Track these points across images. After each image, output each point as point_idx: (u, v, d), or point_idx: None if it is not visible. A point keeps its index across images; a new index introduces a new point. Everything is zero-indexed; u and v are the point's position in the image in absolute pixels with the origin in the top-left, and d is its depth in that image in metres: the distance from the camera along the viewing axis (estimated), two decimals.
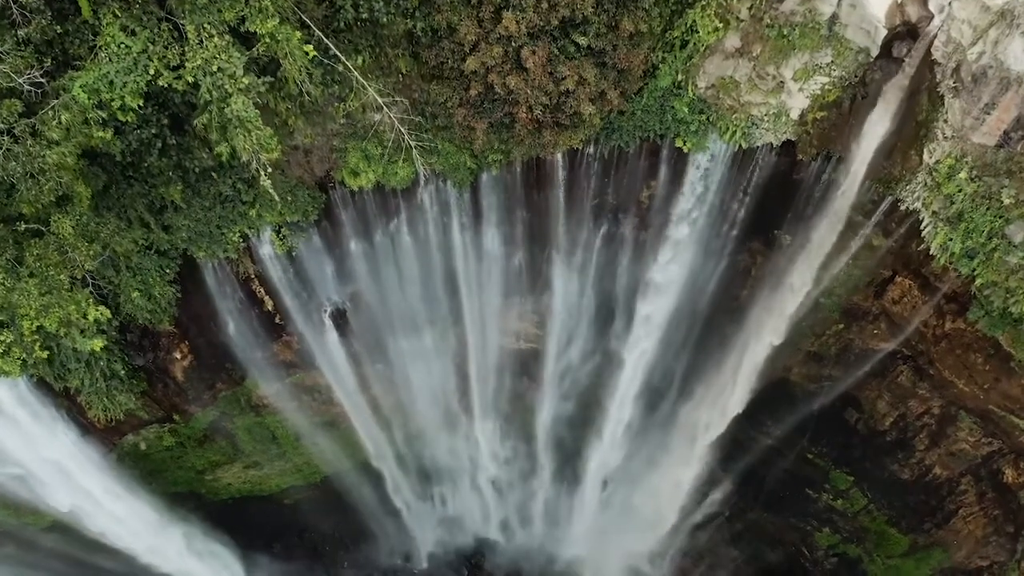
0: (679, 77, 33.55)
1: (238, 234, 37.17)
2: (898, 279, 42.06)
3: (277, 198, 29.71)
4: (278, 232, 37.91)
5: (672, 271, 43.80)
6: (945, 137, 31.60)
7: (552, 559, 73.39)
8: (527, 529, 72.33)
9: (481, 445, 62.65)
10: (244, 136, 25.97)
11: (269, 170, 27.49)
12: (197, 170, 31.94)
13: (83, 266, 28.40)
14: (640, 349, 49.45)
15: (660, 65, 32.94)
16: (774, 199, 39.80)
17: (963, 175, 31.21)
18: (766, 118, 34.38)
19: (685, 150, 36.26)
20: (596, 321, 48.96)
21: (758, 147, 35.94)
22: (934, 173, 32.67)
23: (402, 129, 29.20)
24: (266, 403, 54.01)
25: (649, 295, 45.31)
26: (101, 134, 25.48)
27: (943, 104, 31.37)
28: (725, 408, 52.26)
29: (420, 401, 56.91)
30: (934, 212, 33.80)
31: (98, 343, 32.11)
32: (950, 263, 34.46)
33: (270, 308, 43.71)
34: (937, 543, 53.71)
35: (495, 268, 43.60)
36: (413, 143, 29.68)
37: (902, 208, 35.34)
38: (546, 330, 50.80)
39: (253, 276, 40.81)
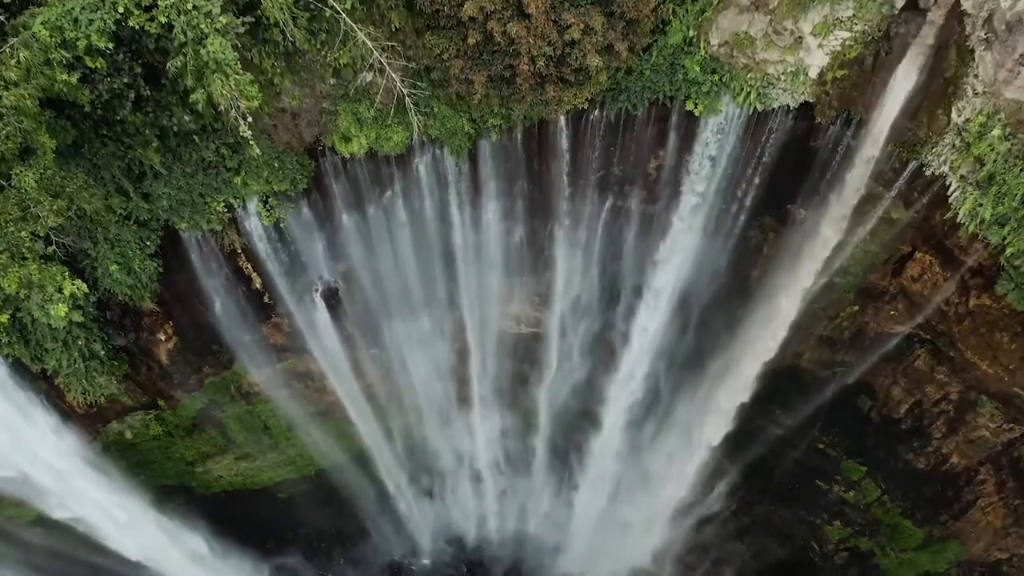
0: (691, 33, 31.49)
1: (222, 204, 35.07)
2: (918, 255, 40.06)
3: (258, 151, 27.50)
4: (265, 202, 35.79)
5: (680, 249, 41.71)
6: (976, 93, 29.55)
7: (553, 553, 70.68)
8: (528, 522, 70.28)
9: (480, 436, 60.65)
10: (222, 81, 23.82)
11: (249, 119, 25.15)
12: (176, 129, 29.83)
13: (46, 223, 26.09)
14: (646, 333, 47.22)
15: (671, 20, 30.66)
16: (789, 169, 37.76)
17: (995, 133, 29.07)
18: (783, 77, 32.29)
19: (696, 113, 34.24)
20: (600, 303, 46.81)
21: (773, 110, 33.87)
22: (963, 133, 30.58)
23: (394, 76, 26.94)
24: (257, 390, 51.83)
25: (656, 275, 42.98)
26: (65, 77, 23.34)
27: (973, 58, 29.43)
28: (733, 395, 49.44)
29: (417, 389, 54.84)
30: (962, 176, 31.71)
31: (62, 308, 29.86)
32: (979, 231, 32.06)
33: (258, 286, 41.52)
34: (954, 535, 51.60)
35: (494, 244, 41.55)
36: (406, 91, 27.35)
37: (927, 174, 33.30)
38: (548, 313, 48.74)
39: (239, 250, 38.62)
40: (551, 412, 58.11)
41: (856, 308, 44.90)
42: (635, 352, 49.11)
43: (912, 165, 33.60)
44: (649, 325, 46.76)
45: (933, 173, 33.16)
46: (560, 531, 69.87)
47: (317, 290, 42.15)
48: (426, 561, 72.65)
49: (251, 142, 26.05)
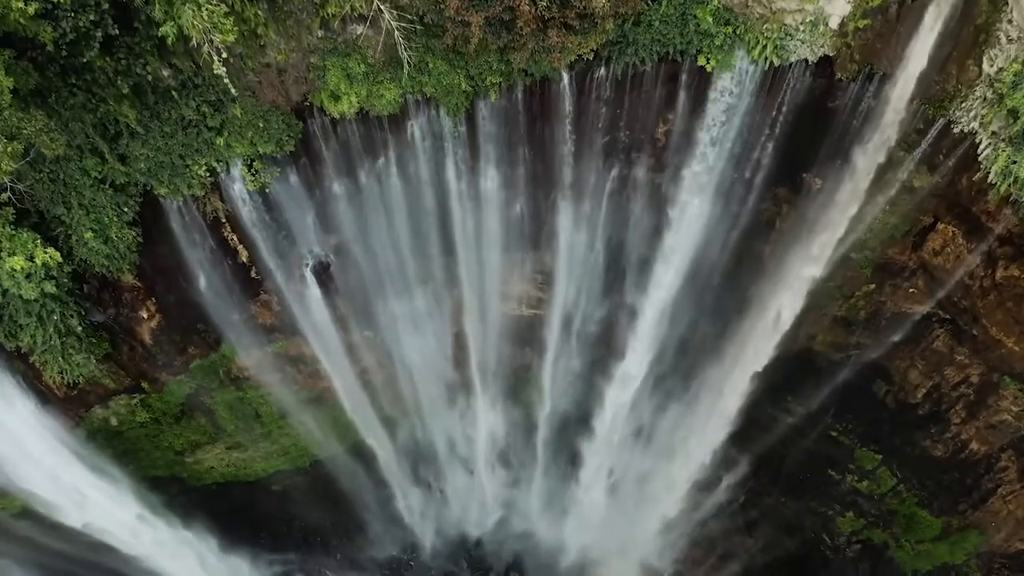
0: None
1: (204, 167, 33.00)
2: (940, 226, 38.22)
3: (233, 90, 25.22)
4: (250, 166, 33.72)
5: (690, 223, 39.36)
6: (1009, 40, 27.60)
7: (555, 548, 68.75)
8: (529, 516, 68.16)
9: (481, 425, 58.37)
10: (193, 11, 21.65)
11: (223, 55, 22.92)
12: (153, 83, 27.55)
13: (1, 167, 23.85)
14: (653, 314, 44.86)
15: None
16: (805, 134, 35.64)
17: None
18: (801, 28, 30.18)
19: (708, 69, 32.07)
20: (605, 282, 44.60)
21: (790, 65, 31.65)
22: (996, 84, 28.59)
23: (388, 15, 24.63)
24: (247, 375, 49.70)
25: (664, 251, 40.76)
26: (20, 5, 21.00)
27: (1007, 2, 27.43)
28: (742, 382, 47.18)
29: (414, 375, 52.77)
30: (994, 132, 29.75)
31: (18, 261, 27.52)
32: (1011, 192, 29.84)
33: (245, 260, 39.37)
34: (973, 525, 49.78)
35: (494, 216, 39.43)
36: (398, 31, 25.07)
37: (955, 131, 31.34)
38: (550, 293, 46.61)
39: (223, 219, 36.49)
40: (553, 399, 56.03)
41: (873, 286, 42.97)
42: (641, 335, 46.79)
43: (939, 123, 31.61)
44: (656, 305, 44.35)
45: (961, 130, 31.21)
46: (564, 524, 67.50)
47: (307, 265, 40.00)
48: (426, 556, 70.03)
49: (227, 81, 23.84)
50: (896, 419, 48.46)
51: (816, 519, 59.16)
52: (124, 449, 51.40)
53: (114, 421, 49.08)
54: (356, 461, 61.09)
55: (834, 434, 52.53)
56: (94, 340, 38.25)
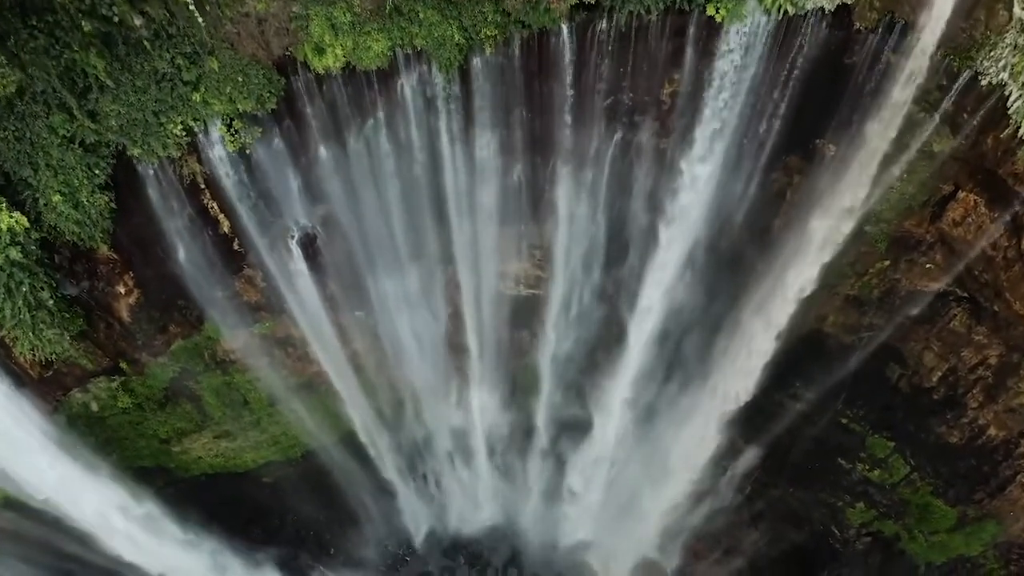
0: None
1: (180, 126, 30.94)
2: (961, 195, 36.29)
3: (201, 20, 22.77)
4: (229, 126, 31.27)
5: (696, 193, 37.30)
6: None
7: (554, 542, 66.56)
8: (528, 508, 65.99)
9: (477, 413, 56.21)
10: None
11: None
12: (119, 24, 25.29)
13: None
14: (657, 292, 42.74)
15: None
16: (819, 95, 33.80)
17: None
18: None
19: (718, 20, 29.85)
20: (607, 257, 42.40)
21: (805, 14, 29.34)
22: None
23: None
24: (233, 358, 47.65)
25: (670, 223, 38.63)
26: None
27: None
28: (750, 365, 44.93)
29: (407, 359, 50.65)
30: None
31: None
32: None
33: (226, 230, 37.24)
34: (990, 515, 47.71)
35: (490, 185, 37.42)
36: None
37: (982, 84, 29.18)
38: (550, 271, 44.51)
39: (203, 185, 34.36)
40: (553, 386, 54.04)
41: (887, 263, 41.00)
42: (644, 315, 44.54)
43: (964, 75, 29.61)
44: (661, 283, 42.24)
45: (989, 83, 29.26)
46: (563, 516, 65.40)
47: (293, 237, 37.86)
48: (422, 551, 68.17)
49: (203, 26, 21.54)
50: (910, 404, 46.41)
51: (825, 511, 56.92)
52: (107, 437, 49.50)
53: (95, 406, 46.95)
54: (349, 452, 59.14)
55: (844, 421, 50.38)
56: (67, 315, 36.15)
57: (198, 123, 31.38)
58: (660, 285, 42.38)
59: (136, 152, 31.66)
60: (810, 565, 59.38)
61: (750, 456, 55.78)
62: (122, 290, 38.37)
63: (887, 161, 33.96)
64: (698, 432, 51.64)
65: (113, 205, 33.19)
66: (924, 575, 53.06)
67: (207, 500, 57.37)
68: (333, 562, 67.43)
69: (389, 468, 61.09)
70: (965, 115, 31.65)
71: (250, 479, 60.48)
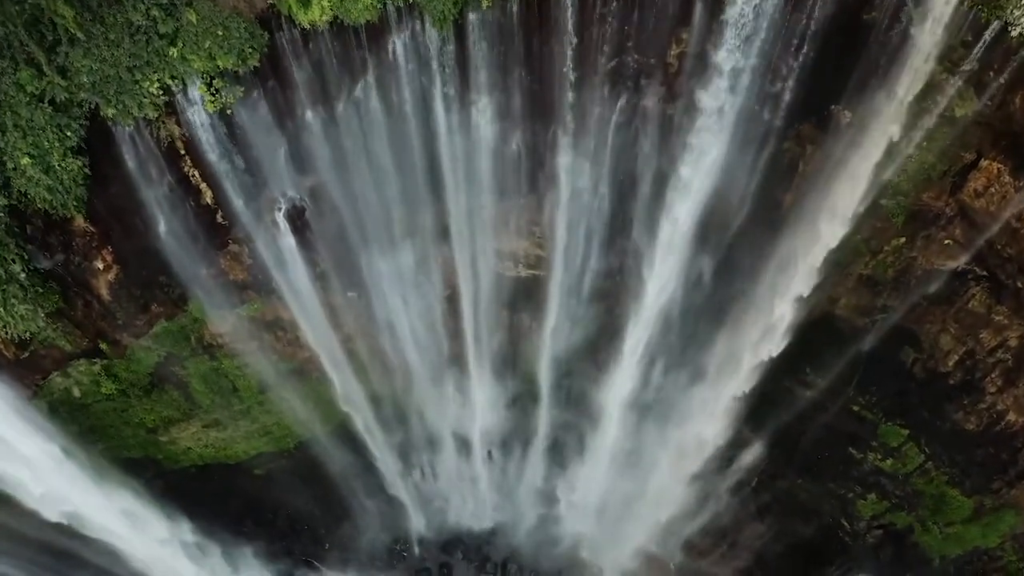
0: None
1: (157, 84, 28.81)
2: (984, 163, 34.80)
3: None
4: (209, 85, 29.20)
5: (704, 163, 35.35)
6: None
7: (554, 538, 64.70)
8: (527, 503, 64.43)
9: (475, 402, 54.37)
10: None
11: None
12: None
13: None
14: (663, 271, 40.72)
15: None
16: (834, 56, 32.08)
17: None
18: None
19: None
20: (610, 233, 40.25)
21: None
22: None
23: None
24: (221, 342, 45.93)
25: (678, 197, 36.59)
26: None
27: None
28: (759, 349, 43.23)
29: (402, 344, 48.39)
30: None
31: None
32: None
33: (209, 201, 35.38)
34: (1008, 504, 46.25)
35: (487, 154, 35.79)
36: None
37: (1012, 36, 27.42)
38: (550, 249, 42.51)
39: (182, 151, 32.49)
40: (554, 373, 52.36)
41: (903, 240, 39.50)
42: (650, 296, 42.60)
43: (993, 27, 27.62)
44: (667, 261, 40.21)
45: (1020, 34, 26.77)
46: (565, 511, 63.69)
47: (279, 209, 36.02)
48: (419, 546, 66.66)
49: None
50: (925, 390, 44.90)
51: (834, 502, 55.34)
52: (91, 425, 48.08)
53: (76, 392, 45.23)
54: (344, 443, 57.66)
55: (856, 408, 48.78)
56: (41, 290, 34.38)
57: (176, 81, 29.53)
58: (666, 264, 40.27)
59: (110, 112, 29.74)
60: (818, 560, 58.00)
61: (757, 446, 53.93)
62: (100, 265, 36.44)
63: (906, 128, 32.42)
64: (705, 420, 49.47)
65: (87, 171, 31.34)
66: (938, 569, 51.08)
67: (197, 492, 55.81)
68: (328, 557, 65.88)
69: (385, 460, 59.54)
70: (991, 73, 30.24)
71: (242, 470, 59.16)
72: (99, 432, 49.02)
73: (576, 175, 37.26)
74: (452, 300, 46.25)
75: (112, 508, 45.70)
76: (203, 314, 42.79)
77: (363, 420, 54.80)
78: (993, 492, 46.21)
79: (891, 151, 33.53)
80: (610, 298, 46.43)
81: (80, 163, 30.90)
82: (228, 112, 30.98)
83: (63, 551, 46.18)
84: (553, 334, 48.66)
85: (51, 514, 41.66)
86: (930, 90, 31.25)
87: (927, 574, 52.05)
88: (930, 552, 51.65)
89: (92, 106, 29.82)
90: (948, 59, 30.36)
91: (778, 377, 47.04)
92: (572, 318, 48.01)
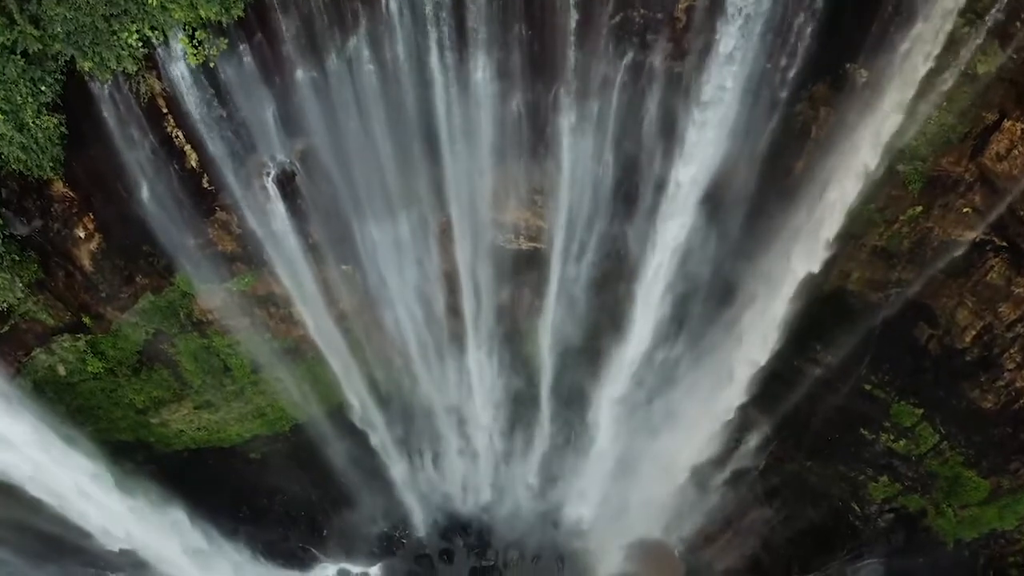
0: None
1: (136, 35, 26.99)
2: (1007, 124, 33.56)
3: None
4: (191, 36, 27.48)
5: (714, 124, 33.40)
6: None
7: (556, 524, 63.55)
8: (529, 487, 63.61)
9: (475, 382, 52.76)
10: None
11: None
12: None
13: None
14: (669, 242, 39.11)
15: None
16: (850, 10, 31.00)
17: None
18: None
19: None
20: (614, 202, 38.54)
21: None
22: None
23: None
24: (211, 319, 44.60)
25: (685, 162, 34.96)
26: None
27: None
28: (768, 328, 42.38)
29: (399, 321, 46.72)
30: None
31: None
32: None
33: (194, 164, 33.76)
34: None
35: (486, 116, 34.24)
36: None
37: None
38: (552, 220, 40.82)
39: (164, 109, 30.67)
40: (556, 351, 51.16)
41: (920, 208, 38.34)
42: (656, 268, 41.03)
43: None
44: (674, 231, 38.56)
45: None
46: (567, 496, 62.64)
47: (268, 174, 34.24)
48: (419, 532, 65.40)
49: None
50: (940, 367, 43.78)
51: (844, 485, 54.17)
52: (78, 405, 46.58)
53: (62, 370, 43.74)
54: (340, 426, 56.34)
55: (868, 387, 47.62)
56: (18, 258, 32.65)
57: (156, 32, 28.00)
58: (673, 233, 38.58)
59: (87, 66, 28.15)
60: (827, 545, 56.76)
61: (765, 428, 52.51)
62: (82, 234, 34.86)
63: (925, 87, 31.10)
64: (712, 400, 47.88)
65: (64, 129, 29.64)
66: (952, 553, 49.62)
67: (191, 477, 54.37)
68: (325, 544, 64.42)
69: (383, 443, 58.41)
70: (1018, 23, 28.34)
71: (236, 455, 57.92)
72: (87, 413, 47.71)
73: (579, 138, 35.83)
74: (450, 275, 44.52)
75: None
76: (191, 288, 41.35)
77: (359, 401, 53.38)
78: (1011, 473, 45.26)
79: (909, 112, 32.11)
80: (614, 272, 44.57)
81: (56, 120, 29.34)
82: (211, 66, 29.43)
83: None
84: (555, 308, 46.98)
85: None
86: (952, 45, 29.92)
87: (940, 558, 50.47)
88: (944, 536, 50.66)
89: (68, 59, 28.12)
90: (972, 10, 29.06)
91: (788, 356, 45.62)
92: (574, 293, 46.25)
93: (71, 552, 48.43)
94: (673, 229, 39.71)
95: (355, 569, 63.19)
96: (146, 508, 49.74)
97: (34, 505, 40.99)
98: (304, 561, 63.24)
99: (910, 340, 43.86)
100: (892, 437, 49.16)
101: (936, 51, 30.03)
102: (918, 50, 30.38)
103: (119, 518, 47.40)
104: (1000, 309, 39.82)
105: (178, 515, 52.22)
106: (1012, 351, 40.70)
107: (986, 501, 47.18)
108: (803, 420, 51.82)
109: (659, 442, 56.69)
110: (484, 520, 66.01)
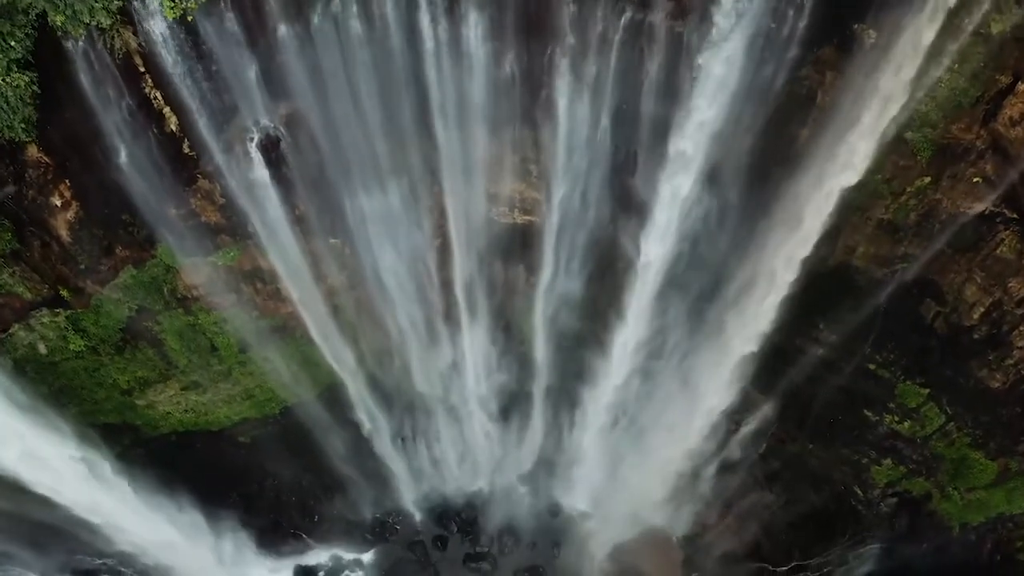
0: None
1: None
2: (1021, 87, 32.23)
3: None
4: None
5: (715, 87, 32.75)
6: None
7: (551, 510, 62.70)
8: (524, 472, 63.05)
9: (468, 361, 51.13)
10: None
11: None
12: None
13: None
14: (670, 213, 37.72)
15: None
16: None
17: None
18: None
19: None
20: (612, 171, 37.15)
21: None
22: None
23: None
24: (196, 295, 43.45)
25: (686, 128, 33.78)
26: None
27: None
28: (767, 304, 41.61)
29: (390, 297, 45.51)
30: None
31: None
32: None
33: (174, 128, 32.32)
34: None
35: (478, 78, 32.96)
36: None
37: None
38: (547, 193, 39.59)
39: (141, 67, 29.13)
40: (550, 331, 50.25)
41: (928, 179, 37.23)
42: (656, 242, 39.79)
43: None
44: (675, 201, 37.26)
45: None
46: (562, 480, 61.65)
47: (252, 139, 32.72)
48: (412, 518, 64.61)
49: None
50: (947, 346, 42.74)
51: (847, 469, 53.11)
52: (61, 386, 45.58)
53: (43, 348, 42.49)
54: (331, 408, 55.42)
55: (872, 367, 46.58)
56: None
57: None
58: (674, 203, 37.28)
59: (59, 20, 26.72)
60: (829, 530, 55.87)
61: (766, 409, 51.58)
62: (58, 202, 33.51)
63: (935, 49, 30.01)
64: (713, 377, 46.62)
65: (36, 88, 28.15)
66: (957, 538, 48.54)
67: (179, 461, 53.67)
68: (317, 530, 63.48)
69: (375, 426, 57.45)
70: None
71: (225, 438, 56.98)
72: (70, 394, 46.68)
73: (575, 103, 34.55)
74: (443, 249, 43.15)
75: None
76: (174, 261, 40.10)
77: (350, 382, 52.31)
78: (1019, 454, 44.08)
79: (919, 75, 30.96)
80: (612, 242, 43.29)
81: (28, 78, 28.04)
82: (190, 20, 27.82)
83: None
84: (550, 286, 45.80)
85: None
86: (965, 2, 28.58)
87: (945, 543, 49.33)
88: (949, 520, 49.77)
89: (39, 12, 26.51)
90: None
91: (789, 335, 44.88)
92: (570, 266, 45.17)
93: (64, 539, 46.87)
94: (673, 198, 38.16)
95: (348, 555, 61.92)
96: (133, 493, 48.22)
97: (23, 491, 39.67)
98: (296, 547, 61.77)
99: (916, 317, 42.80)
100: (897, 418, 48.06)
101: (949, 8, 28.55)
102: (931, 7, 28.99)
103: (107, 503, 45.84)
104: (1010, 284, 38.74)
105: (166, 500, 50.33)
106: (1022, 328, 39.56)
107: (993, 484, 46.14)
108: (805, 401, 51.05)
109: (660, 421, 54.98)
110: (478, 505, 64.88)
